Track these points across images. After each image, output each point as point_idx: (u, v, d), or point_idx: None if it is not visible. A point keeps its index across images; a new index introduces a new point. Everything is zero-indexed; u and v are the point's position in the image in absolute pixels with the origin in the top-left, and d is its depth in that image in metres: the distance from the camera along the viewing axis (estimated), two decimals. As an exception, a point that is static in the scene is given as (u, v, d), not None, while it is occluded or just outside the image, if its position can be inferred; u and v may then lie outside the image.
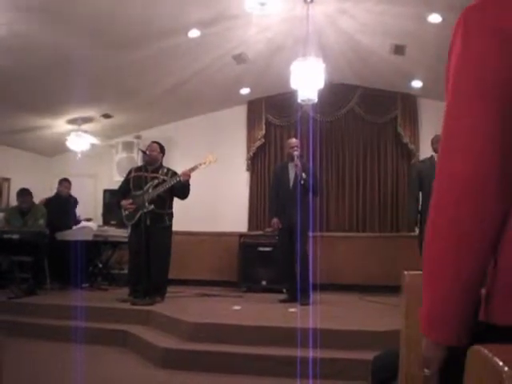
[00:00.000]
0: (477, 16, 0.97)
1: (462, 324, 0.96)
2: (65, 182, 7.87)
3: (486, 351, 0.63)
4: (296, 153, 6.04)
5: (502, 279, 0.89)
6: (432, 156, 5.90)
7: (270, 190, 6.69)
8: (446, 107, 1.00)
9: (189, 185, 5.77)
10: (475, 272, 0.94)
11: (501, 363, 0.59)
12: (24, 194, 7.16)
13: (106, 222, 8.68)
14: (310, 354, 3.72)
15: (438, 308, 0.97)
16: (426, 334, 1.02)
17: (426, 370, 1.04)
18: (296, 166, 5.99)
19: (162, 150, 6.09)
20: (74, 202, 7.91)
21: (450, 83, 1.00)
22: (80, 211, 8.08)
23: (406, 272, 1.32)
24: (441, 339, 0.98)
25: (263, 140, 9.04)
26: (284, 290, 6.48)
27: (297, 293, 5.79)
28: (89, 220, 8.13)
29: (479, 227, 0.91)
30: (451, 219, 0.94)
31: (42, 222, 7.10)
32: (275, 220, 6.09)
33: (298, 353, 3.74)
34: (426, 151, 7.33)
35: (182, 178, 5.66)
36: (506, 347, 0.65)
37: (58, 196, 7.82)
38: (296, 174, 5.99)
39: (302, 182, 5.87)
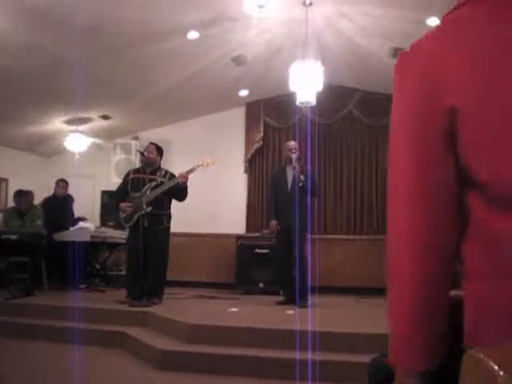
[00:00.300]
0: (408, 62, 1.04)
1: (428, 346, 0.95)
2: (61, 183, 7.87)
3: (481, 355, 0.63)
4: (294, 155, 6.03)
5: (486, 305, 0.89)
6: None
7: (269, 192, 6.69)
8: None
9: (186, 187, 5.77)
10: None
11: (496, 367, 0.59)
12: (21, 195, 7.15)
13: (103, 223, 8.67)
14: (308, 356, 3.72)
15: (401, 331, 0.99)
16: (392, 362, 1.01)
17: None
18: (294, 168, 5.99)
19: (160, 151, 6.08)
20: (70, 200, 7.90)
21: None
22: (77, 212, 8.06)
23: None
24: (406, 364, 0.97)
25: (261, 142, 9.05)
26: (281, 293, 6.47)
27: (294, 295, 5.79)
28: (83, 219, 8.09)
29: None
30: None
31: (39, 222, 7.10)
32: (273, 222, 6.09)
33: (296, 355, 3.74)
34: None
35: (179, 180, 5.66)
36: (501, 351, 0.65)
37: (54, 197, 7.82)
38: (294, 176, 5.99)
39: (300, 184, 5.87)
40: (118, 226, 7.01)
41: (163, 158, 6.19)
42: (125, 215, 5.83)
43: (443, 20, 0.97)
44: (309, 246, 6.48)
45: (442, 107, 0.89)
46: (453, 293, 0.97)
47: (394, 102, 1.03)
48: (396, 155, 0.99)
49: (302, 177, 5.90)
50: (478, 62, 0.86)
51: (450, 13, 0.97)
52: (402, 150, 0.97)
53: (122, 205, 5.82)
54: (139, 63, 6.77)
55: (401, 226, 0.98)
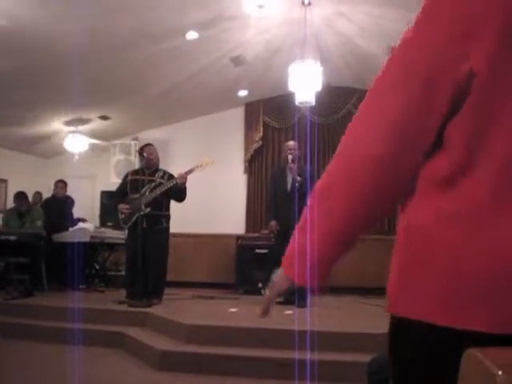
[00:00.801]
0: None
1: (325, 270, 1.03)
2: (60, 184, 7.87)
3: (480, 355, 0.63)
4: (291, 156, 6.04)
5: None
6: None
7: (268, 192, 6.69)
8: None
9: (185, 187, 5.76)
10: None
11: (495, 367, 0.59)
12: (21, 197, 7.15)
13: (102, 223, 8.66)
14: (307, 356, 3.72)
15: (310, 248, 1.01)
16: (283, 266, 1.10)
17: (266, 291, 1.16)
18: (290, 169, 6.00)
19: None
20: (70, 202, 7.90)
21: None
22: (77, 213, 8.06)
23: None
24: (293, 276, 1.06)
25: (261, 142, 9.05)
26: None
27: (293, 295, 5.79)
28: (83, 220, 8.10)
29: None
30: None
31: (39, 223, 7.10)
32: (273, 223, 6.08)
33: (295, 355, 3.74)
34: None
35: (178, 181, 5.65)
36: (500, 351, 0.65)
37: (54, 197, 7.82)
38: (299, 175, 5.98)
39: (297, 184, 5.87)
40: (118, 227, 7.01)
41: (162, 159, 6.19)
42: (123, 216, 5.83)
43: None
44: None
45: (461, 70, 0.83)
46: None
47: (412, 31, 0.98)
48: (387, 78, 0.98)
49: (298, 177, 5.90)
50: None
51: None
52: (397, 76, 0.94)
53: (121, 206, 5.82)
54: (138, 64, 6.77)
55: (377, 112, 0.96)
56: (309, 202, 1.02)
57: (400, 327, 0.92)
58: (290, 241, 1.08)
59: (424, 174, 0.89)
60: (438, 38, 0.88)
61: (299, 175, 5.91)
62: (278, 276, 1.14)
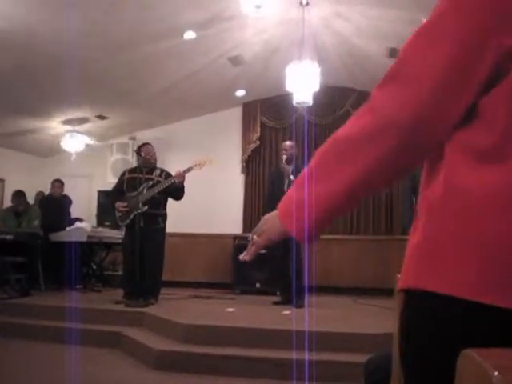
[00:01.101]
0: None
1: (321, 226, 0.96)
2: (57, 183, 7.86)
3: (476, 355, 0.63)
4: (285, 156, 6.05)
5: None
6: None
7: (266, 192, 6.69)
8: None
9: (183, 186, 5.77)
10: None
11: (491, 368, 0.59)
12: (19, 195, 7.14)
13: (100, 223, 8.66)
14: (304, 356, 3.73)
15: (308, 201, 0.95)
16: (280, 216, 1.03)
17: (254, 236, 1.11)
18: (283, 169, 6.02)
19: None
20: (68, 202, 7.90)
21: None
22: (74, 212, 8.06)
23: (399, 275, 1.32)
24: (291, 230, 0.99)
25: (258, 142, 9.05)
26: (278, 293, 6.48)
27: (291, 295, 5.80)
28: (80, 220, 8.09)
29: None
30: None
31: (36, 223, 7.10)
32: None
33: (293, 355, 3.74)
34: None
35: (176, 180, 5.65)
36: (497, 351, 0.65)
37: (50, 197, 7.81)
38: (294, 175, 5.99)
39: (288, 185, 5.89)
40: (115, 226, 7.01)
41: (160, 158, 6.19)
42: (120, 214, 5.83)
43: None
44: (305, 246, 6.49)
45: (506, 42, 0.80)
46: None
47: None
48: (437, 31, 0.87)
49: (291, 177, 5.92)
50: None
51: None
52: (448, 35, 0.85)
53: (118, 204, 5.82)
54: (136, 63, 6.76)
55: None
56: (321, 149, 0.96)
57: (423, 305, 0.83)
58: (288, 190, 1.03)
59: (458, 144, 0.86)
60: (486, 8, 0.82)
61: (293, 175, 5.92)
62: (271, 223, 1.08)
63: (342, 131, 0.94)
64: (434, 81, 0.84)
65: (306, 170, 0.97)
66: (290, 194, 1.02)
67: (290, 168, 6.02)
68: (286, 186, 6.02)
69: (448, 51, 0.84)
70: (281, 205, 1.06)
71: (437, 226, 0.84)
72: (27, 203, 7.31)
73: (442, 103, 0.85)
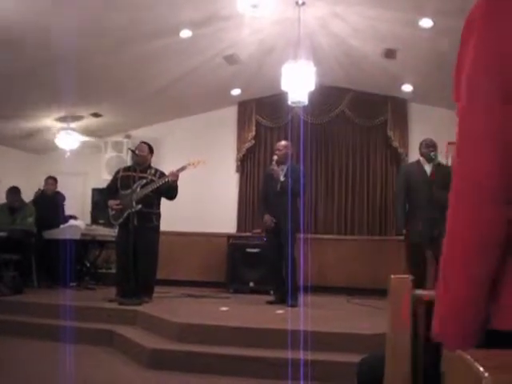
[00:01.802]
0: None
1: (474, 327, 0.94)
2: (50, 180, 7.85)
3: (467, 356, 0.64)
4: (276, 157, 6.06)
5: None
6: (419, 160, 5.87)
7: (260, 192, 6.70)
8: (460, 111, 0.97)
9: (176, 186, 5.77)
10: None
11: (481, 369, 0.60)
12: (14, 191, 7.12)
13: (94, 220, 8.65)
14: (297, 355, 3.73)
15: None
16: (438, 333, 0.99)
17: None
18: (272, 170, 6.03)
19: (151, 150, 6.08)
20: (61, 198, 7.88)
21: (464, 86, 0.97)
22: (68, 210, 8.04)
23: (392, 276, 1.32)
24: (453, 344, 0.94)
25: (253, 141, 9.05)
26: (271, 292, 6.49)
27: (285, 295, 5.81)
28: (74, 217, 8.06)
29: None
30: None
31: (31, 220, 7.08)
32: (268, 216, 6.03)
33: (288, 354, 3.75)
34: (415, 155, 7.35)
35: (170, 179, 5.65)
36: (487, 353, 0.66)
37: (44, 194, 7.79)
38: (286, 176, 5.99)
39: (280, 185, 5.89)
40: (109, 224, 6.99)
41: (154, 157, 6.19)
42: (113, 212, 5.82)
43: None
44: (300, 245, 6.50)
45: None
46: None
47: (476, 48, 0.93)
48: (474, 107, 0.94)
49: (281, 177, 5.92)
50: None
51: None
52: (484, 104, 0.92)
53: (111, 202, 5.82)
54: (131, 61, 6.75)
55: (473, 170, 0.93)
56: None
57: None
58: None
59: None
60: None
61: (286, 175, 5.93)
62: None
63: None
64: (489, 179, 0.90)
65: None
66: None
67: (280, 169, 6.02)
68: (279, 186, 6.02)
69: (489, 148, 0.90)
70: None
71: None
72: (22, 200, 7.29)
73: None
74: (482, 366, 0.60)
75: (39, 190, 7.92)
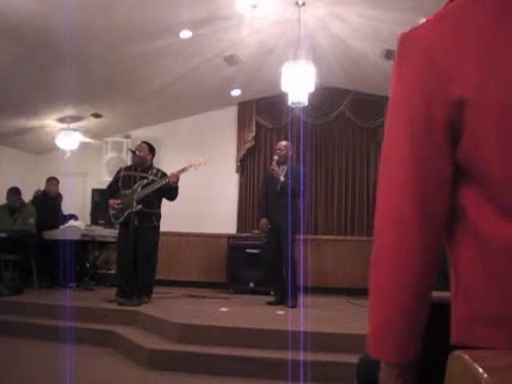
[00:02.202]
0: (411, 47, 0.95)
1: (406, 341, 0.97)
2: (53, 181, 7.82)
3: (466, 357, 0.64)
4: (276, 157, 6.06)
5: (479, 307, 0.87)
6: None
7: (261, 192, 6.70)
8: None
9: (177, 187, 5.76)
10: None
11: (480, 370, 0.60)
12: (14, 192, 7.11)
13: (94, 221, 8.64)
14: (297, 356, 3.73)
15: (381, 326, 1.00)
16: (371, 353, 1.04)
17: None
18: (272, 170, 6.02)
19: (152, 150, 6.07)
20: (60, 199, 7.87)
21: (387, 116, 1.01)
22: (68, 210, 8.03)
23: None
24: (385, 357, 1.00)
25: (253, 142, 9.05)
26: (271, 293, 6.49)
27: (285, 295, 5.81)
28: (74, 218, 8.06)
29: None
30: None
31: (32, 220, 7.07)
32: (264, 221, 6.08)
33: (288, 355, 3.75)
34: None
35: (170, 180, 5.65)
36: (486, 353, 0.66)
37: (46, 195, 7.78)
38: (286, 176, 5.99)
39: (280, 185, 5.89)
40: (109, 225, 6.99)
41: (155, 157, 6.18)
42: (114, 212, 5.82)
43: (446, 8, 0.93)
44: (300, 246, 6.50)
45: (449, 97, 0.86)
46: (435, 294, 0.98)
47: (394, 84, 0.97)
48: (392, 138, 0.97)
49: (281, 178, 5.92)
50: (487, 53, 0.84)
51: (452, 0, 0.93)
52: (400, 134, 0.95)
53: (112, 201, 5.82)
54: (131, 62, 6.75)
55: (390, 209, 0.96)
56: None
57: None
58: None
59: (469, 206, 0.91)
60: (419, 77, 0.92)
61: (287, 176, 5.93)
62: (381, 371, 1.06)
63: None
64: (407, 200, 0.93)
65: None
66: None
67: (281, 169, 6.01)
68: (279, 186, 6.02)
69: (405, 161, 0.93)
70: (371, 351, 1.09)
71: (480, 286, 0.89)
72: (22, 201, 7.28)
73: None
74: (482, 366, 0.60)
75: (39, 190, 7.90)
